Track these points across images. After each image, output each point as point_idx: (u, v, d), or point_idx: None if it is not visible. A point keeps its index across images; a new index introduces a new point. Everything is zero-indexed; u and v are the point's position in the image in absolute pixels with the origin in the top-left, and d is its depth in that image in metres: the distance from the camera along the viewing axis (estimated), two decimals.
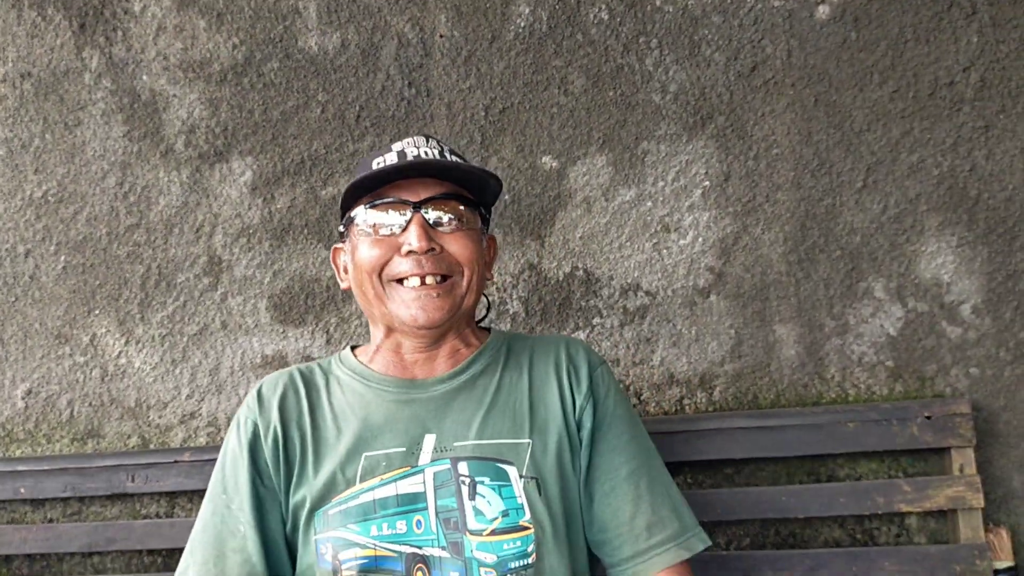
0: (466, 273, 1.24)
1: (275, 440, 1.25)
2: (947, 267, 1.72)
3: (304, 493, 1.21)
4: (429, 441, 1.22)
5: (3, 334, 1.88)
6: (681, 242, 1.77)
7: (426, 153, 1.26)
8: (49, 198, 1.88)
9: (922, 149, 1.73)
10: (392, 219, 1.22)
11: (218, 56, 1.86)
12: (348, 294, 1.80)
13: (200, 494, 1.78)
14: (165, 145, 1.86)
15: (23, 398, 1.88)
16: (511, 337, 1.38)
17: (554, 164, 1.80)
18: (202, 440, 1.84)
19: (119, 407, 1.86)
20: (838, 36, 1.75)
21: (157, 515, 1.83)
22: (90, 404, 1.87)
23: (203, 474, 1.74)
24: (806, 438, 1.66)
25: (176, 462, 1.77)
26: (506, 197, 1.81)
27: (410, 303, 1.21)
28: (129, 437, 1.86)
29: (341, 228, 1.31)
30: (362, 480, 1.19)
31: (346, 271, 1.34)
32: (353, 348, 1.37)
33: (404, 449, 1.21)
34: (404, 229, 1.21)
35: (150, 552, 1.83)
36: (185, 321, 1.86)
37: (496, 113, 1.81)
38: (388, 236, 1.22)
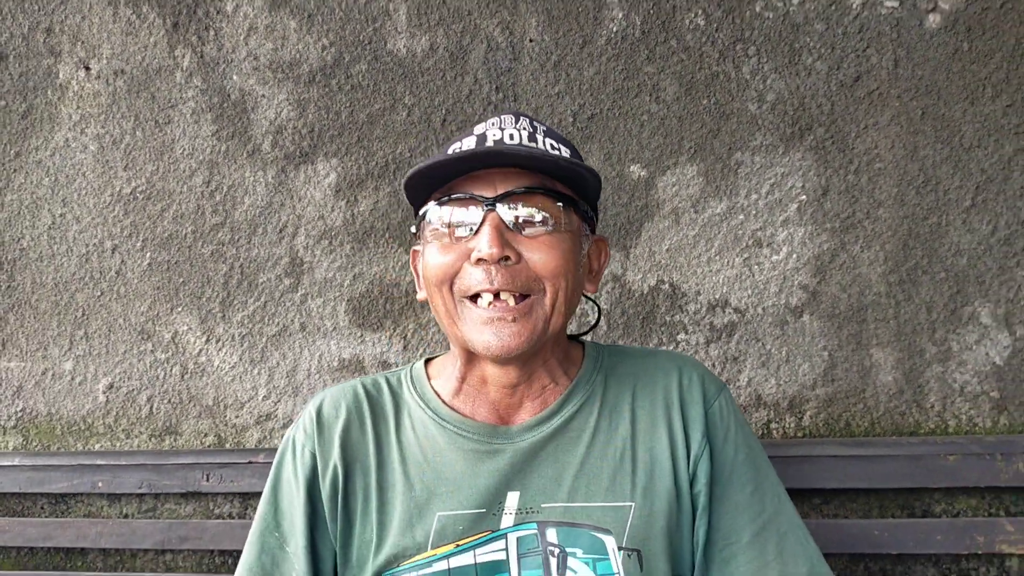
0: (549, 290, 1.05)
1: (334, 482, 1.12)
2: None
3: (365, 553, 1.10)
4: (512, 499, 1.07)
5: (88, 328, 1.96)
6: (774, 258, 1.75)
7: (511, 136, 1.08)
8: (137, 195, 1.96)
9: None
10: (466, 217, 1.05)
11: (307, 57, 1.91)
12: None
13: None
14: (252, 145, 1.92)
15: (104, 392, 1.96)
16: (609, 356, 1.21)
17: (642, 173, 1.80)
18: (277, 442, 1.89)
19: (197, 405, 1.92)
20: (949, 47, 1.71)
21: (230, 515, 1.88)
22: (169, 401, 1.93)
23: None
24: (902, 470, 1.62)
25: (251, 463, 1.81)
26: None
27: (482, 327, 1.04)
28: (206, 436, 1.92)
29: (413, 228, 1.16)
30: (435, 545, 1.06)
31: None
32: (427, 362, 1.24)
33: (484, 510, 1.07)
34: (476, 231, 1.04)
35: (221, 552, 1.88)
36: (265, 321, 1.91)
37: (584, 119, 1.82)
38: (460, 239, 1.06)
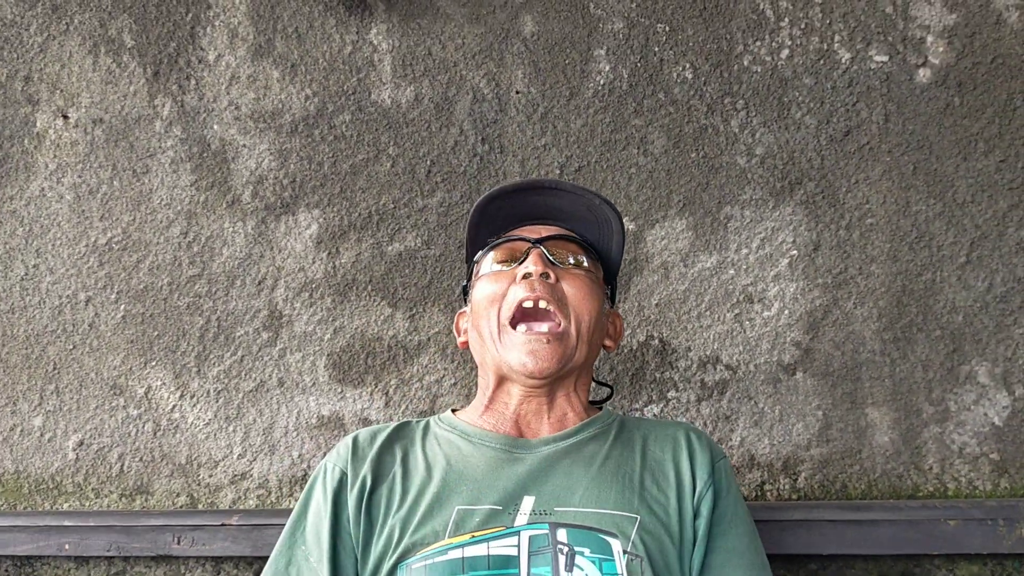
0: (574, 319, 1.24)
1: (361, 491, 1.21)
2: None
3: (387, 543, 1.17)
4: (528, 502, 1.16)
5: (59, 383, 1.91)
6: (765, 314, 1.72)
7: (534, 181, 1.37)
8: (113, 245, 1.92)
9: None
10: (514, 252, 1.30)
11: (290, 107, 1.89)
12: (414, 353, 1.79)
13: (247, 561, 1.78)
14: (232, 195, 1.89)
15: (74, 450, 1.90)
16: (624, 416, 1.37)
17: (631, 226, 1.77)
18: (252, 503, 1.83)
19: (170, 464, 1.86)
20: (940, 101, 1.70)
21: None
22: (141, 459, 1.87)
23: (251, 540, 1.73)
24: (901, 535, 1.57)
25: (224, 525, 1.75)
26: None
27: (520, 347, 1.21)
28: (178, 495, 1.86)
29: (465, 284, 1.40)
30: (452, 535, 1.14)
31: (464, 331, 1.39)
32: (454, 411, 1.38)
33: (500, 508, 1.16)
34: (521, 262, 1.27)
35: None
36: (242, 376, 1.86)
37: (572, 172, 1.80)
38: (502, 272, 1.28)
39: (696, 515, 1.20)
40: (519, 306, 1.23)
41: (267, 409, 1.85)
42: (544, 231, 1.31)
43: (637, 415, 1.71)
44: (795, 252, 1.73)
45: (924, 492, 1.66)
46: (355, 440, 1.29)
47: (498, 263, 1.30)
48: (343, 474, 1.24)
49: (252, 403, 1.86)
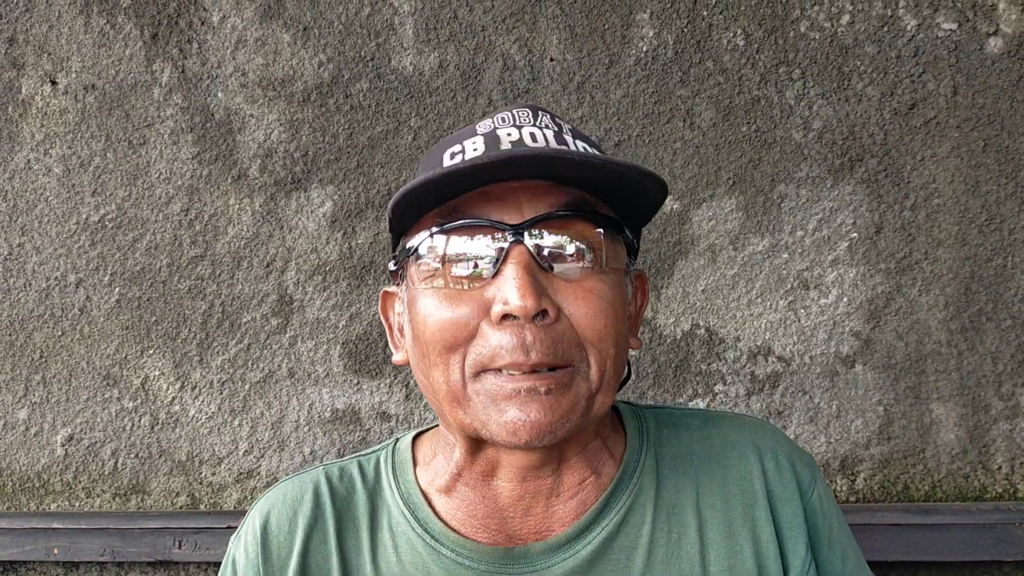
0: (594, 359, 0.78)
1: None
2: None
3: None
4: None
5: (46, 372, 1.79)
6: (822, 301, 1.63)
7: (532, 137, 0.79)
8: (107, 223, 1.80)
9: None
10: (477, 250, 0.77)
11: (302, 74, 1.77)
12: None
13: None
14: (238, 170, 1.77)
15: (63, 445, 1.78)
16: (656, 427, 0.93)
17: (675, 206, 1.67)
18: None
19: (168, 460, 1.75)
20: (1013, 73, 1.62)
21: None
22: (137, 456, 1.76)
23: None
24: (970, 540, 1.50)
25: (229, 528, 1.66)
26: None
27: (504, 404, 0.75)
28: (177, 495, 1.75)
29: (393, 264, 0.87)
30: None
31: (401, 331, 0.89)
32: (416, 438, 0.95)
33: None
34: (495, 273, 0.76)
35: None
36: (248, 366, 1.74)
37: (611, 146, 1.70)
38: (463, 292, 0.78)
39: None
40: (498, 369, 0.77)
41: (276, 402, 1.74)
42: (529, 204, 0.78)
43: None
44: (855, 235, 1.64)
45: (992, 494, 1.58)
46: (266, 530, 0.89)
47: (448, 260, 0.79)
48: None
49: (260, 395, 1.75)
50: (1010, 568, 1.54)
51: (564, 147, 0.79)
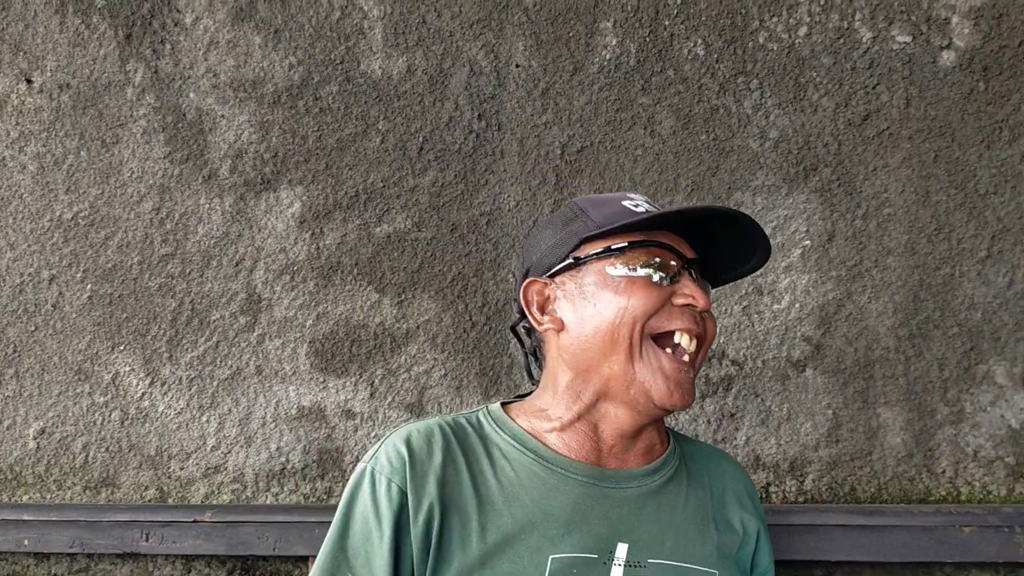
0: (704, 351, 1.15)
1: (428, 524, 1.06)
2: None
3: None
4: (622, 550, 1.08)
5: (19, 366, 1.83)
6: (775, 307, 1.68)
7: (679, 206, 1.22)
8: (79, 220, 1.83)
9: None
10: (664, 268, 1.10)
11: (272, 76, 1.81)
12: (402, 342, 1.72)
13: (220, 559, 1.72)
14: (209, 169, 1.81)
15: (35, 438, 1.82)
16: (674, 435, 1.28)
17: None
18: (226, 498, 1.76)
19: (138, 455, 1.79)
20: (964, 86, 1.66)
21: None
22: (107, 449, 1.80)
23: (224, 537, 1.67)
24: (913, 541, 1.55)
25: (196, 521, 1.69)
26: None
27: (669, 374, 1.08)
28: (146, 488, 1.79)
29: (570, 261, 1.15)
30: None
31: (541, 310, 1.19)
32: (503, 405, 1.23)
33: (595, 556, 1.07)
34: (677, 282, 1.10)
35: None
36: (217, 364, 1.79)
37: (573, 152, 1.74)
38: (659, 285, 1.09)
39: (754, 567, 1.22)
40: (671, 335, 1.10)
41: (244, 398, 1.78)
42: (688, 250, 1.15)
43: None
44: (808, 242, 1.68)
45: (936, 497, 1.63)
46: (409, 446, 1.11)
47: (648, 268, 1.10)
48: (402, 494, 1.07)
49: (228, 392, 1.79)
50: (951, 569, 1.59)
51: (731, 210, 1.14)
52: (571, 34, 1.76)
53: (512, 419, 1.19)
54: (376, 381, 1.76)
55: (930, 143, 1.67)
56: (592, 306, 1.11)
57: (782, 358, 1.68)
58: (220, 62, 1.84)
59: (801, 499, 1.66)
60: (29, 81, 1.88)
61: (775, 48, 1.71)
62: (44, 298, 1.84)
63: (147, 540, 1.70)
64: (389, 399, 1.75)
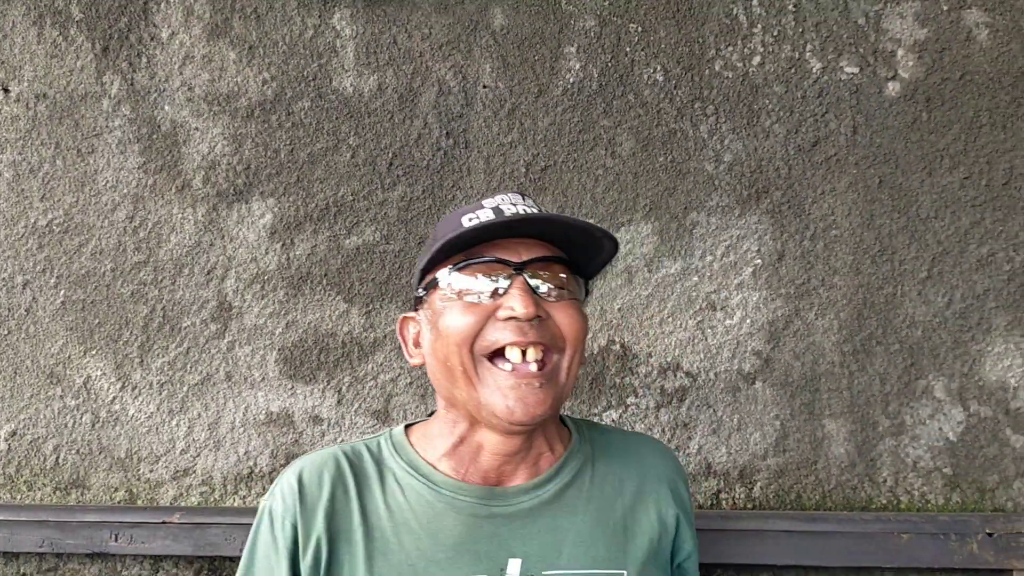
0: (568, 352, 1.10)
1: (317, 557, 1.10)
2: (1014, 370, 1.69)
3: None
4: (514, 567, 1.09)
5: None
6: (727, 322, 1.75)
7: (525, 211, 1.13)
8: (54, 227, 1.87)
9: (993, 241, 1.72)
10: (483, 285, 1.08)
11: (246, 90, 1.86)
12: (369, 351, 1.78)
13: (188, 560, 1.77)
14: (182, 180, 1.86)
15: (6, 440, 1.86)
16: (588, 429, 1.28)
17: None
18: (194, 500, 1.81)
19: (108, 457, 1.84)
20: (908, 115, 1.75)
21: None
22: (77, 451, 1.84)
23: (192, 538, 1.72)
24: (854, 547, 1.63)
25: (164, 523, 1.74)
26: None
27: (507, 391, 1.06)
28: (116, 490, 1.83)
29: (421, 292, 1.17)
30: None
31: (416, 344, 1.20)
32: (407, 428, 1.24)
33: None
34: (503, 293, 1.08)
35: None
36: (187, 369, 1.83)
37: (537, 171, 1.81)
38: (478, 304, 1.08)
39: (676, 552, 1.24)
40: (501, 350, 1.08)
41: (213, 403, 1.83)
42: (524, 251, 1.10)
43: (595, 419, 1.74)
44: (759, 261, 1.76)
45: (877, 504, 1.71)
46: (300, 482, 1.15)
47: (464, 288, 1.10)
48: (294, 529, 1.12)
49: (197, 397, 1.83)
50: (891, 574, 1.67)
51: (553, 214, 1.17)
52: (537, 57, 1.83)
53: (411, 444, 1.20)
54: (343, 388, 1.82)
55: (875, 169, 1.76)
56: (434, 338, 1.13)
57: (733, 371, 1.75)
58: (195, 76, 1.89)
59: (750, 505, 1.73)
60: (6, 90, 1.92)
61: (730, 76, 1.79)
62: (17, 303, 1.88)
63: (116, 540, 1.74)
64: (356, 406, 1.81)
